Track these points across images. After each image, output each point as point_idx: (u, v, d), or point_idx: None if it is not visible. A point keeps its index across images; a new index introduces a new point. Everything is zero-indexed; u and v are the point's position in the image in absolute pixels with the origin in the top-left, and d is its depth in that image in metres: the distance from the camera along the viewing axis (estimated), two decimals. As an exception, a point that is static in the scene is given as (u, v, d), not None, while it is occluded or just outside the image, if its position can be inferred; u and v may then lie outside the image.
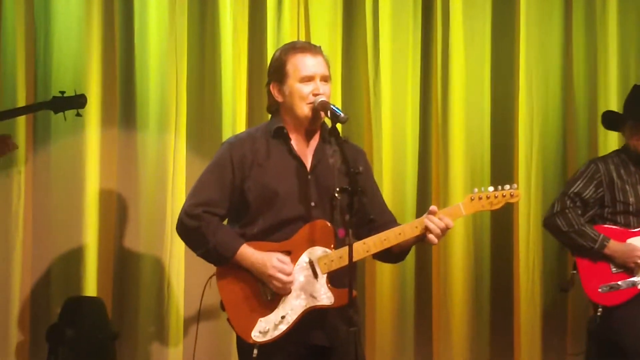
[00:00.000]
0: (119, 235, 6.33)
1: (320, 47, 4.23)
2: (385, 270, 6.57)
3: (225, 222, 4.26)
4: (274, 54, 4.25)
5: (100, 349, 5.91)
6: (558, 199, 5.35)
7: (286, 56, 4.17)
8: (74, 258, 6.22)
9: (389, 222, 4.29)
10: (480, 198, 4.16)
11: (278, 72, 4.17)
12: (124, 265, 6.33)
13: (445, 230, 4.10)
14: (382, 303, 6.61)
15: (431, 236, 4.10)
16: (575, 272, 5.29)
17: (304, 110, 4.12)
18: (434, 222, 4.10)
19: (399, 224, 4.27)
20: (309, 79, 4.13)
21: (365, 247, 4.09)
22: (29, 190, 6.22)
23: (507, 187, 4.17)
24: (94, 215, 6.25)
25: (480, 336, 6.72)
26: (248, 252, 4.07)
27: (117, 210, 6.34)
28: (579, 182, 5.35)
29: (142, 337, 6.29)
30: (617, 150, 5.65)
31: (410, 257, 6.43)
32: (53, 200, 6.25)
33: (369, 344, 6.55)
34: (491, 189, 4.16)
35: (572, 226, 5.25)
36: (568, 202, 5.28)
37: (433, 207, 4.16)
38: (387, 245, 4.10)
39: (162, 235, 6.32)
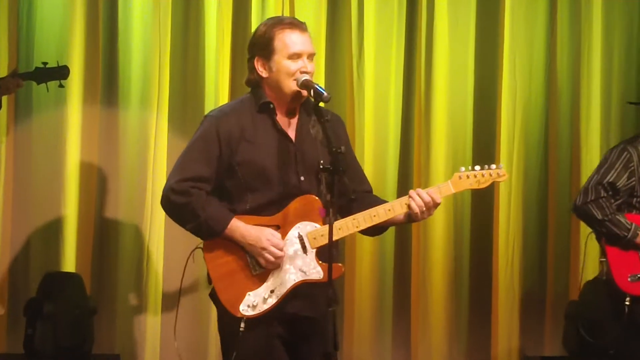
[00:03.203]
0: (98, 211, 6.33)
1: (305, 23, 4.21)
2: (365, 251, 6.58)
3: None
4: (259, 28, 4.19)
5: (79, 324, 5.92)
6: (592, 187, 5.29)
7: (273, 31, 4.11)
8: (53, 233, 6.23)
9: (367, 191, 4.30)
10: (468, 176, 4.20)
11: (264, 47, 4.12)
12: (103, 241, 6.33)
13: (431, 206, 4.11)
14: (361, 284, 6.62)
15: (416, 210, 4.10)
16: (604, 259, 5.28)
17: (291, 86, 4.09)
18: (418, 197, 4.11)
19: (375, 195, 4.31)
20: (297, 56, 4.09)
21: (355, 222, 4.08)
22: (10, 163, 6.21)
23: (494, 166, 4.21)
24: (74, 190, 6.25)
25: (458, 318, 6.73)
26: (240, 225, 4.04)
27: (97, 186, 6.34)
28: (613, 170, 5.27)
29: (120, 312, 6.30)
30: None
31: (390, 237, 6.52)
32: (33, 173, 6.25)
33: (347, 323, 6.56)
34: (478, 167, 4.20)
35: (607, 215, 5.22)
36: (602, 191, 5.24)
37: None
38: (377, 221, 4.10)
39: (142, 211, 6.32)
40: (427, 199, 4.10)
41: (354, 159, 4.35)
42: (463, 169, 4.20)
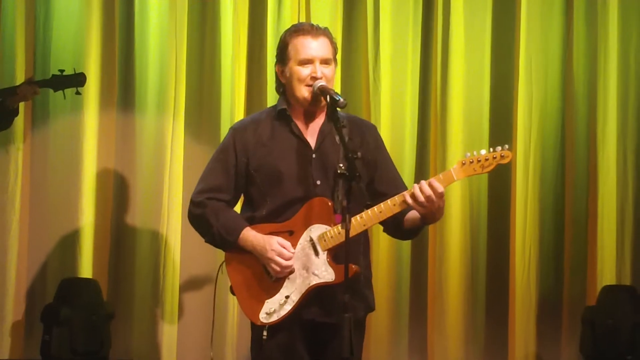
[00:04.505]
0: (115, 217, 6.35)
1: (326, 29, 4.22)
2: (381, 256, 6.56)
3: (237, 208, 4.28)
4: (281, 36, 4.27)
5: (95, 330, 5.93)
6: None
7: (289, 38, 4.20)
8: (70, 238, 6.25)
9: None
10: (471, 162, 4.06)
11: (281, 53, 4.21)
12: (120, 246, 6.34)
13: (431, 197, 3.98)
14: (377, 289, 6.52)
15: (416, 203, 4.00)
16: None
17: (303, 93, 4.14)
18: (418, 188, 4.01)
19: None
20: (307, 61, 4.14)
21: (361, 221, 4.07)
22: (27, 170, 6.24)
23: (499, 148, 4.08)
24: (91, 196, 6.28)
25: (475, 324, 6.70)
26: (250, 235, 4.10)
27: (114, 192, 6.36)
28: None
29: (137, 317, 6.31)
30: None
31: (407, 242, 6.48)
32: (50, 180, 6.27)
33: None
34: (483, 151, 4.07)
35: None
36: None
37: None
38: (382, 217, 4.06)
39: (159, 217, 6.34)
40: (427, 191, 3.98)
41: (388, 163, 4.35)
42: (468, 154, 4.08)
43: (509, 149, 4.09)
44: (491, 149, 4.08)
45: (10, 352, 6.10)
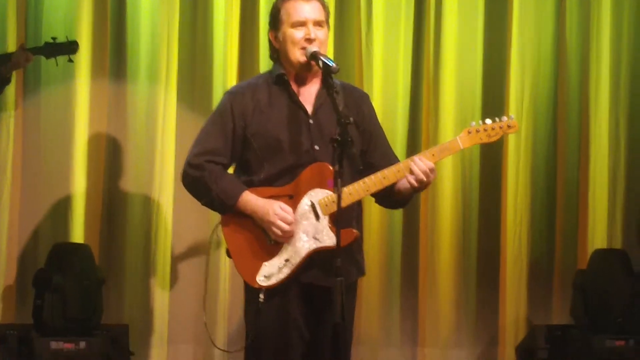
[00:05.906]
0: (107, 183, 6.36)
1: None
2: (373, 223, 6.58)
3: (231, 171, 4.26)
4: (273, 2, 4.27)
5: (87, 294, 5.94)
6: None
7: (281, 3, 4.19)
8: (62, 205, 6.26)
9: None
10: (477, 131, 4.11)
11: (274, 19, 4.20)
12: (111, 212, 6.36)
13: (426, 172, 4.05)
14: (369, 256, 6.56)
15: (418, 176, 4.06)
16: None
17: (297, 55, 4.12)
18: (420, 161, 4.07)
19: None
20: (300, 24, 4.13)
21: (365, 186, 4.07)
22: (19, 136, 6.24)
23: (505, 118, 4.12)
24: (83, 162, 6.29)
25: (466, 289, 6.74)
26: (250, 199, 4.08)
27: (106, 158, 6.37)
28: None
29: (129, 282, 6.33)
30: None
31: (398, 210, 6.50)
32: (42, 146, 6.28)
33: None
34: (489, 121, 4.11)
35: None
36: None
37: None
38: (386, 183, 4.08)
39: (151, 183, 6.35)
40: (423, 167, 4.04)
41: (381, 134, 4.34)
42: (474, 123, 4.12)
43: (514, 119, 4.12)
44: (497, 119, 4.10)
45: (2, 317, 6.12)
